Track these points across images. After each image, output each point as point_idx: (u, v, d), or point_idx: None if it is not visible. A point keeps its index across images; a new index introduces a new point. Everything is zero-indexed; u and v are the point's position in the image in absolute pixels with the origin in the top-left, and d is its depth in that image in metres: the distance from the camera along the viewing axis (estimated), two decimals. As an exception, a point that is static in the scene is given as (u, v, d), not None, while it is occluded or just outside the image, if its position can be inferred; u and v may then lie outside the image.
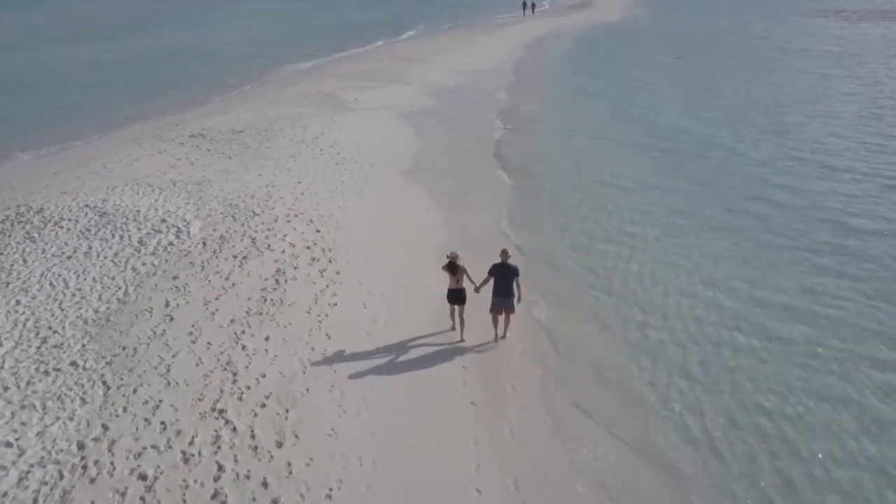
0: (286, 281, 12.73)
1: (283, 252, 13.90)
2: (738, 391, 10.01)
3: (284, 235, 14.64)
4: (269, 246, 14.13)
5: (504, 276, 10.78)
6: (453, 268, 10.89)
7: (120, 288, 12.23)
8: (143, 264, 13.17)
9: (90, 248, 13.77)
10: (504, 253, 11.01)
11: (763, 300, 12.58)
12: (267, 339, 10.87)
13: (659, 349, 11.08)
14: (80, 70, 37.25)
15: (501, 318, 11.08)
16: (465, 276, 10.96)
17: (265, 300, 12.03)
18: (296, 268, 13.28)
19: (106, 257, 13.38)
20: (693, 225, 16.08)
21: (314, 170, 19.17)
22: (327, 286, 12.67)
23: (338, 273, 13.18)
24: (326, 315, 11.67)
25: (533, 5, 65.79)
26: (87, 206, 15.81)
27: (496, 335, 11.15)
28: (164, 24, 61.97)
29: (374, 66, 37.09)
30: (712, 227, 15.94)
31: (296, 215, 15.77)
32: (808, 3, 73.80)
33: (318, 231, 15.01)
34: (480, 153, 22.20)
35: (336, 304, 12.04)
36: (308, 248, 14.18)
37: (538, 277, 13.27)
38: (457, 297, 11.01)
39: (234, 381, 9.72)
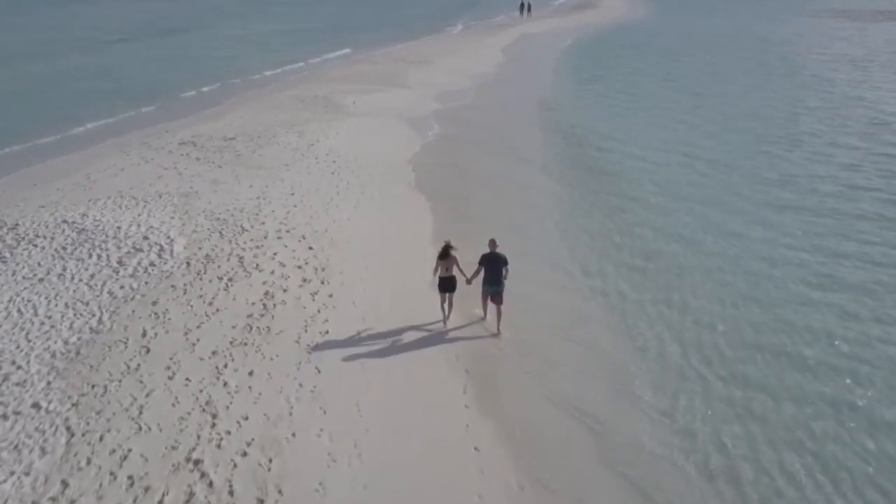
0: (274, 306, 11.80)
1: (273, 273, 12.97)
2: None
3: (274, 254, 13.71)
4: (257, 266, 13.20)
5: (494, 265, 11.07)
6: (445, 254, 11.15)
7: (94, 315, 11.28)
8: (121, 287, 12.22)
9: (65, 269, 12.82)
10: (492, 242, 11.21)
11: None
12: (251, 373, 9.94)
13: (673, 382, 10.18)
14: (70, 74, 36.16)
15: (492, 308, 11.29)
16: (455, 266, 11.20)
17: (251, 328, 11.09)
18: (285, 290, 12.36)
19: (81, 280, 12.43)
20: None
21: (308, 180, 18.25)
22: (319, 311, 11.74)
23: (330, 296, 12.25)
24: (317, 345, 10.75)
25: (529, 6, 64.61)
26: (64, 221, 14.87)
27: (484, 315, 11.50)
28: (164, 25, 60.95)
29: (372, 68, 36.15)
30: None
31: (287, 231, 14.84)
32: (811, 3, 72.91)
33: (311, 248, 14.08)
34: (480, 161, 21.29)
35: (328, 332, 11.12)
36: (299, 267, 13.26)
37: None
38: (446, 284, 11.22)
39: (213, 426, 8.78)
